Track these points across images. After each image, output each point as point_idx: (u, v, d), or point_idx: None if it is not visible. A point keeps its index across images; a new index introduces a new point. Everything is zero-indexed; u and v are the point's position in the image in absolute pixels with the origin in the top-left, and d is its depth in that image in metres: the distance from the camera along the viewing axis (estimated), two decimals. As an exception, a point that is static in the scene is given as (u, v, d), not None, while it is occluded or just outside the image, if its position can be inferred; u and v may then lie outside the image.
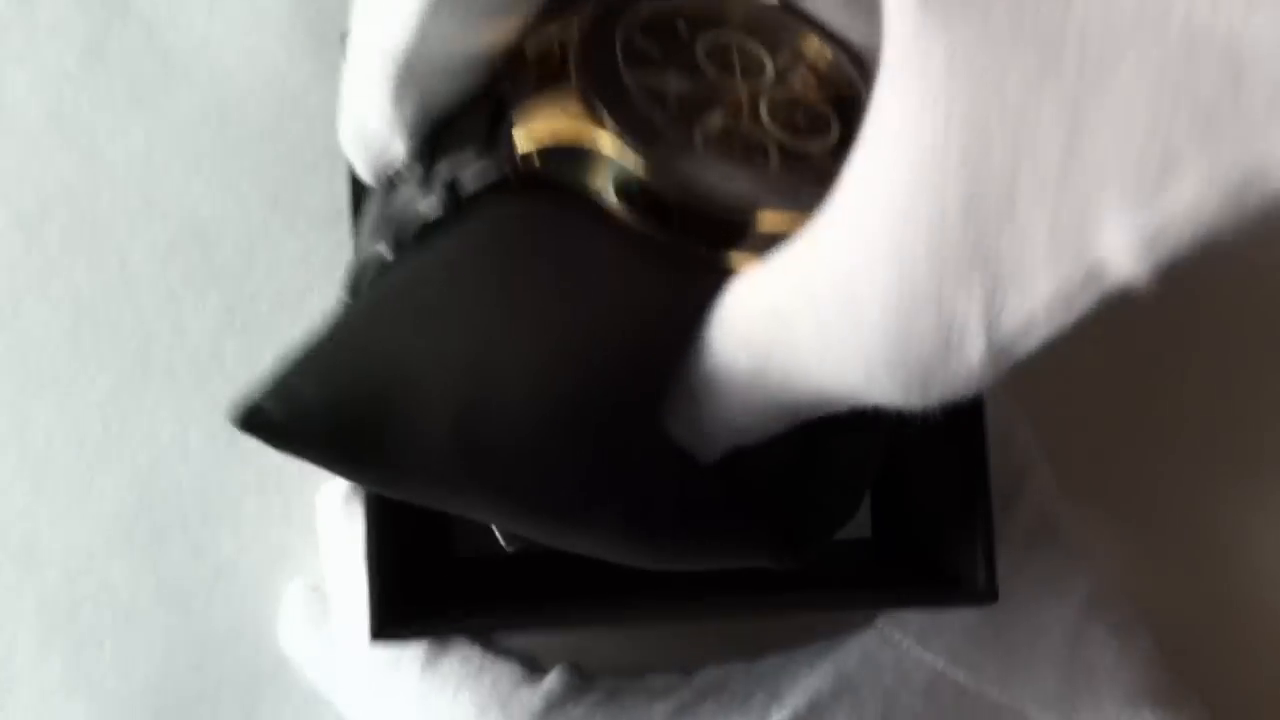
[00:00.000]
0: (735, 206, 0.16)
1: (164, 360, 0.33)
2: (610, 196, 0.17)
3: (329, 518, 0.27)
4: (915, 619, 0.25)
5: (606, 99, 0.17)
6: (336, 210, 0.33)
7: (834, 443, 0.18)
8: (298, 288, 0.33)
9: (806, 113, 0.18)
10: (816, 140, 0.18)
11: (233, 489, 0.32)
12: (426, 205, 0.18)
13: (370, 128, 0.19)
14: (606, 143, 0.16)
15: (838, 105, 0.18)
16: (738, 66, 0.18)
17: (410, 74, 0.18)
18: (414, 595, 0.25)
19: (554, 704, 0.25)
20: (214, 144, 0.33)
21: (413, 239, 0.18)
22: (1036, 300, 0.14)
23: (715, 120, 0.18)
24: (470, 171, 0.18)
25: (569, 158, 0.17)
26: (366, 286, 0.19)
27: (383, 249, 0.19)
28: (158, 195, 0.33)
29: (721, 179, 0.16)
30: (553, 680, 0.26)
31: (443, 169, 0.18)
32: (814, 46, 0.19)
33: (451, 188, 0.18)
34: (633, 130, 0.17)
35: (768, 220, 0.16)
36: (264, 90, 0.33)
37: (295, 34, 0.33)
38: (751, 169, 0.17)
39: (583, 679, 0.26)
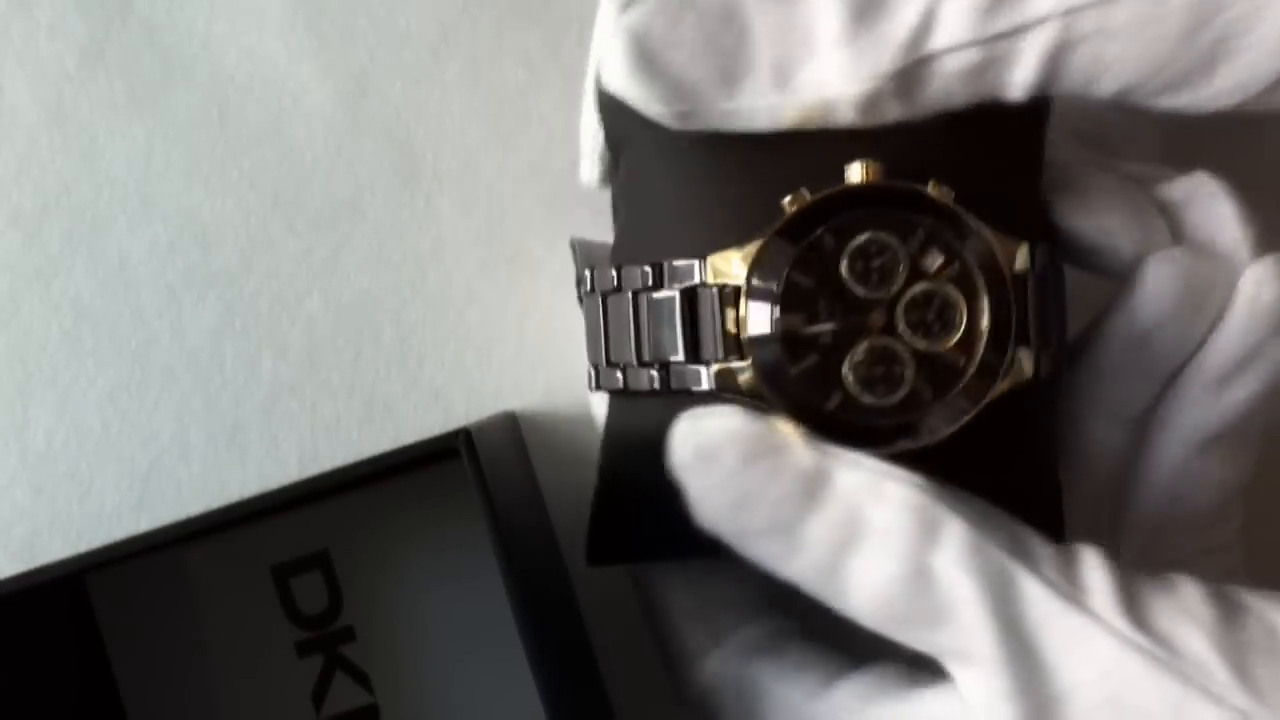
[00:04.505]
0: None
1: (164, 360, 0.33)
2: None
3: None
4: None
5: (772, 385, 0.22)
6: (336, 210, 0.33)
7: None
8: (298, 288, 0.33)
9: (938, 308, 0.22)
10: (945, 337, 0.22)
11: (233, 489, 0.33)
12: (644, 380, 0.24)
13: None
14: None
15: (962, 282, 0.22)
16: (875, 274, 0.22)
17: None
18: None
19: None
20: (214, 144, 0.33)
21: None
22: None
23: (859, 351, 0.22)
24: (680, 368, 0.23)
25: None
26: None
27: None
28: (158, 195, 0.33)
29: (863, 418, 0.22)
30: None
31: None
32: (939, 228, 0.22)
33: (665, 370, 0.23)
34: (793, 411, 0.22)
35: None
36: (264, 90, 0.33)
37: (295, 34, 0.33)
38: (887, 401, 0.22)
39: None
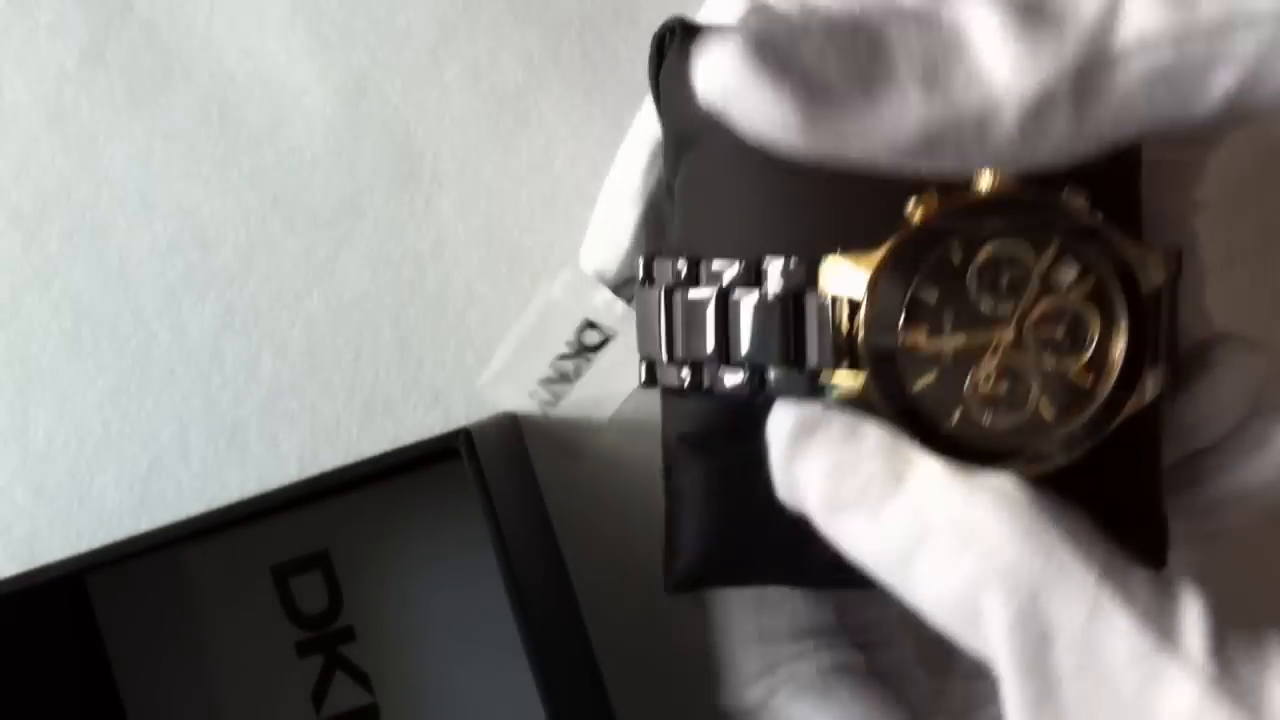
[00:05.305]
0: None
1: (164, 360, 0.33)
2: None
3: None
4: None
5: (890, 401, 0.20)
6: (336, 210, 0.33)
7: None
8: (298, 288, 0.33)
9: (1069, 325, 0.21)
10: (1074, 357, 0.21)
11: (233, 489, 0.33)
12: (728, 381, 0.22)
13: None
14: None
15: (1097, 299, 0.21)
16: (1005, 286, 0.20)
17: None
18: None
19: None
20: (214, 144, 0.33)
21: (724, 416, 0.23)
22: None
23: (985, 368, 0.21)
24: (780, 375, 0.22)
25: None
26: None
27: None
28: (157, 195, 0.33)
29: (981, 439, 0.21)
30: None
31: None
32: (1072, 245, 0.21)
33: (760, 378, 0.22)
34: (907, 429, 0.20)
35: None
36: (264, 90, 0.33)
37: (295, 34, 0.33)
38: (1008, 422, 0.21)
39: None
